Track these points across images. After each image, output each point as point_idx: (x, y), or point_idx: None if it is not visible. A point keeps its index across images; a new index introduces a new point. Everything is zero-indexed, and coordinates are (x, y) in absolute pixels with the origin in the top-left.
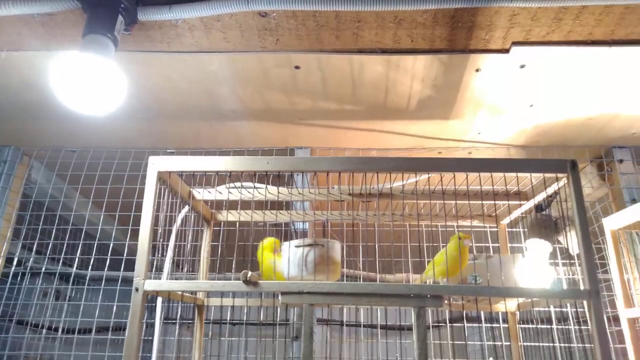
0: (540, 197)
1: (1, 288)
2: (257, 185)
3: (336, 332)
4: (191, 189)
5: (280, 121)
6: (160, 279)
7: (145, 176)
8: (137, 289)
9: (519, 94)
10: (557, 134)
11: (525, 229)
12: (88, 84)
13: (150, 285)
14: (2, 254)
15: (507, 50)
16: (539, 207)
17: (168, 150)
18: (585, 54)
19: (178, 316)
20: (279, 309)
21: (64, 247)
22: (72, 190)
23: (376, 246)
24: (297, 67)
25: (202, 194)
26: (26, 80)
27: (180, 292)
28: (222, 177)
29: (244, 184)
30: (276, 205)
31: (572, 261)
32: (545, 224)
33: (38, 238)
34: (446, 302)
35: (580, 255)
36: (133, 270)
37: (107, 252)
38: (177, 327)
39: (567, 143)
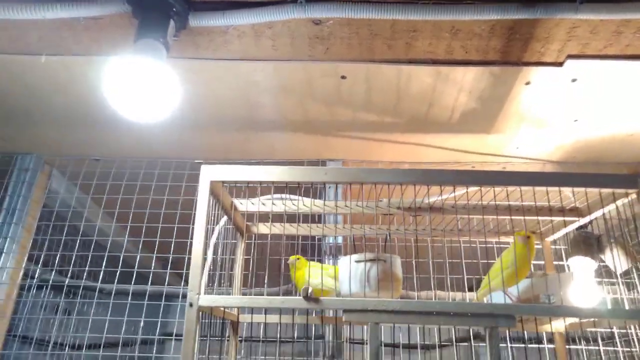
0: (598, 214)
1: (17, 302)
2: (294, 197)
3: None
4: (232, 200)
5: (317, 133)
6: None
7: (169, 186)
8: (191, 305)
9: (565, 109)
10: (596, 150)
11: (567, 247)
12: (142, 89)
13: (205, 300)
14: (22, 266)
15: (561, 64)
16: (580, 225)
17: (196, 161)
18: (637, 68)
19: (221, 332)
20: (313, 327)
21: (81, 260)
22: (94, 201)
23: (430, 262)
24: (343, 77)
25: (244, 205)
26: (59, 85)
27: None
28: (256, 189)
29: (281, 195)
30: (308, 219)
31: (615, 280)
32: (587, 241)
33: (54, 250)
34: None
35: None
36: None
37: (127, 265)
38: (220, 344)
39: (603, 160)
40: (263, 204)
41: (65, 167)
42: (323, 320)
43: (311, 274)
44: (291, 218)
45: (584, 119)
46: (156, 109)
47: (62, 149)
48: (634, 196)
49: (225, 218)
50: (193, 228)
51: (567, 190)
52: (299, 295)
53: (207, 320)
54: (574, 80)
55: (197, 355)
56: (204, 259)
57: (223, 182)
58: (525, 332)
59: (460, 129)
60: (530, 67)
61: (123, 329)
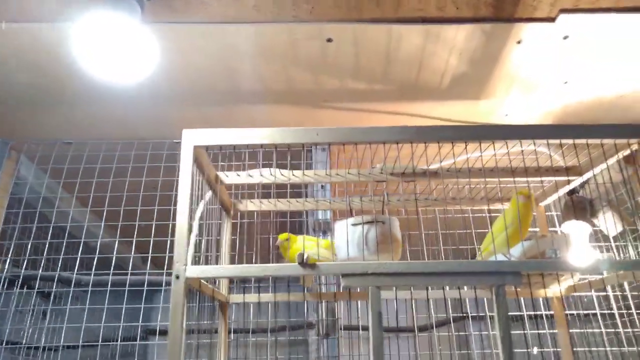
0: (596, 171)
1: None
2: (278, 170)
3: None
4: (217, 173)
5: (302, 104)
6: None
7: (147, 169)
8: (177, 277)
9: (556, 69)
10: (585, 115)
11: (561, 212)
12: (116, 46)
13: (193, 271)
14: None
15: (553, 19)
16: (572, 190)
17: (175, 141)
18: (633, 22)
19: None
20: (306, 304)
21: (54, 251)
22: (66, 187)
23: (422, 235)
24: (329, 40)
25: (230, 177)
26: (23, 60)
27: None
28: (243, 162)
29: (265, 169)
30: (295, 195)
31: (608, 244)
32: (580, 205)
33: (17, 238)
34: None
35: None
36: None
37: (103, 254)
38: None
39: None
40: (250, 175)
41: (35, 152)
42: (321, 297)
43: (306, 245)
44: (279, 194)
45: (574, 80)
46: (131, 68)
47: (29, 133)
48: (635, 147)
49: (209, 194)
50: (174, 209)
51: (544, 149)
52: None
53: (194, 304)
54: (565, 38)
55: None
56: (190, 228)
57: (207, 147)
58: (523, 300)
59: (449, 95)
60: (522, 23)
61: (102, 323)
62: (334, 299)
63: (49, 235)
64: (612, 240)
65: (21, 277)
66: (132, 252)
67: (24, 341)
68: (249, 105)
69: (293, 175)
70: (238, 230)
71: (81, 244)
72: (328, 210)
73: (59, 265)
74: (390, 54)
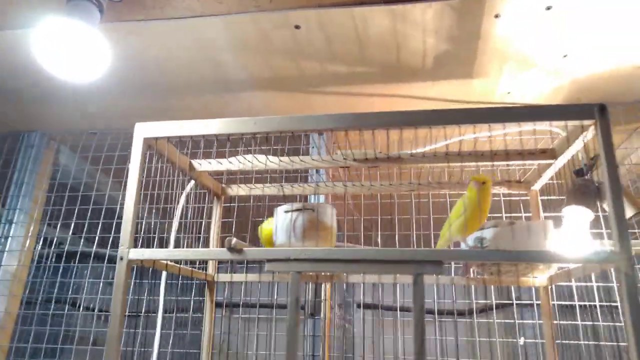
0: (569, 154)
1: (37, 268)
2: (259, 156)
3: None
4: (190, 161)
5: (291, 89)
6: None
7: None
8: (121, 258)
9: (549, 42)
10: (601, 88)
11: (565, 196)
12: (71, 50)
13: (135, 254)
14: (30, 235)
15: None
16: (579, 172)
17: None
18: None
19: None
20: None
21: (102, 228)
22: (104, 171)
23: (396, 219)
24: (297, 27)
25: (206, 165)
26: (33, 61)
27: (165, 262)
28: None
29: (251, 155)
30: (291, 178)
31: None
32: (585, 190)
33: (74, 219)
34: (468, 275)
35: (610, 215)
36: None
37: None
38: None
39: (615, 99)
40: (219, 162)
41: (67, 142)
42: (304, 278)
43: (265, 229)
44: (274, 178)
45: (574, 54)
46: (86, 69)
47: (64, 125)
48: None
49: (192, 182)
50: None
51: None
52: None
53: (182, 281)
54: (548, 8)
55: (159, 314)
56: (136, 215)
57: (157, 138)
58: (513, 290)
59: (439, 75)
60: None
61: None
62: (317, 280)
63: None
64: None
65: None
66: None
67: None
68: (242, 93)
69: (258, 161)
70: (235, 213)
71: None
72: (321, 195)
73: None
74: (360, 36)
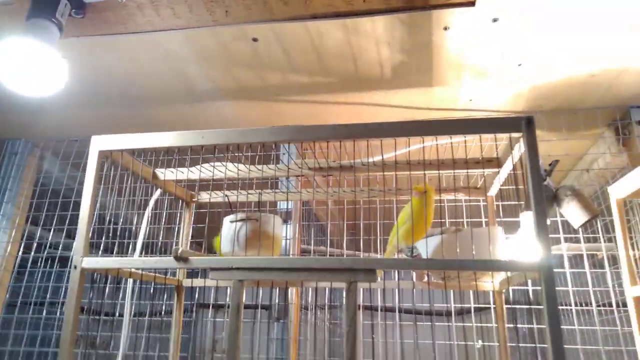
0: (510, 163)
1: (20, 272)
2: (228, 164)
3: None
4: (153, 170)
5: (257, 99)
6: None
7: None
8: (75, 267)
9: (501, 52)
10: (561, 96)
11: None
12: (29, 67)
13: (88, 262)
14: (11, 239)
15: (472, 3)
16: None
17: None
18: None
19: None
20: (261, 290)
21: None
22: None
23: (344, 224)
24: (255, 40)
25: (169, 174)
26: None
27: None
28: (196, 157)
29: (211, 164)
30: (261, 185)
31: (573, 236)
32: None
33: (57, 224)
34: (424, 279)
35: (534, 224)
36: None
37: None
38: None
39: (574, 106)
40: (181, 172)
41: (49, 149)
42: (273, 284)
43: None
44: (244, 186)
45: (528, 63)
46: (44, 85)
47: (47, 133)
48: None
49: (159, 190)
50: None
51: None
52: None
53: (151, 286)
54: (495, 20)
55: (126, 318)
56: (90, 225)
57: (112, 150)
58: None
59: (398, 84)
60: (441, 9)
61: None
62: (286, 285)
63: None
64: (580, 231)
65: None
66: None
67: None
68: (212, 102)
69: (206, 170)
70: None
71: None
72: (291, 201)
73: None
74: (317, 48)
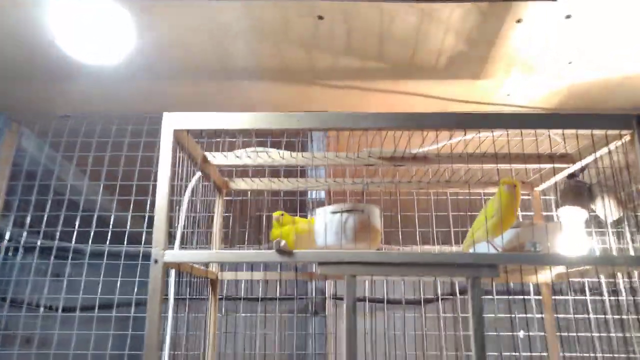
0: (589, 160)
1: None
2: (271, 150)
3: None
4: (204, 153)
5: (296, 81)
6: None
7: (143, 143)
8: (156, 261)
9: (559, 49)
10: (590, 95)
11: (558, 197)
12: (93, 28)
13: (171, 256)
14: None
15: None
16: (571, 174)
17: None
18: (636, 1)
19: (187, 291)
20: (297, 283)
21: (66, 223)
22: (67, 160)
23: (416, 216)
24: (320, 18)
25: (216, 158)
26: (10, 34)
27: (197, 265)
28: (232, 143)
29: (258, 149)
30: (290, 174)
31: (605, 230)
32: (578, 190)
33: (31, 211)
34: None
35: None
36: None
37: (103, 225)
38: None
39: (598, 106)
40: (237, 156)
41: (34, 125)
42: (312, 276)
43: (287, 229)
44: (273, 173)
45: (579, 61)
46: (116, 46)
47: (31, 106)
48: (627, 138)
49: (198, 174)
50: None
51: (556, 136)
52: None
53: (186, 279)
54: (568, 17)
55: (169, 314)
56: (169, 214)
57: (188, 130)
58: (512, 284)
59: (447, 75)
60: (521, 2)
61: (118, 290)
62: (325, 278)
63: (64, 206)
64: (609, 227)
65: (38, 245)
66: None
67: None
68: (243, 82)
69: (282, 158)
70: (232, 208)
71: (81, 215)
72: (322, 190)
73: (74, 234)
74: (383, 32)
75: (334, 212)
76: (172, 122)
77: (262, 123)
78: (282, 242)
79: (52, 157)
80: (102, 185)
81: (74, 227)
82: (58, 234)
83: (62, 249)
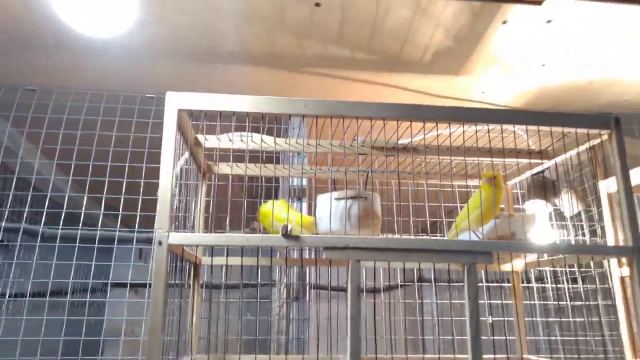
0: (570, 155)
1: None
2: (266, 136)
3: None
4: (196, 135)
5: (282, 68)
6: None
7: (117, 122)
8: (160, 243)
9: (536, 51)
10: (556, 97)
11: (525, 191)
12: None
13: (176, 238)
14: None
15: (540, 2)
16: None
17: (147, 96)
18: (613, 11)
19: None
20: (277, 268)
21: (19, 203)
22: (30, 137)
23: (410, 206)
24: (317, 5)
25: (210, 140)
26: None
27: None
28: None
29: (243, 134)
30: (269, 160)
31: (566, 223)
32: (543, 186)
33: None
34: None
35: (623, 213)
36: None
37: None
38: (184, 288)
39: (562, 108)
40: (230, 140)
41: None
42: (287, 262)
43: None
44: (254, 159)
45: (552, 64)
46: (107, 21)
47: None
48: (605, 137)
49: (186, 155)
50: (146, 167)
51: (524, 133)
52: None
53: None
54: (548, 22)
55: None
56: (172, 196)
57: (192, 110)
58: (487, 274)
59: (429, 70)
60: (510, 4)
61: (71, 274)
62: (301, 264)
63: (13, 185)
64: (569, 220)
65: None
66: (102, 210)
67: None
68: (227, 66)
69: (276, 143)
70: (212, 192)
71: (47, 198)
72: (304, 178)
73: (25, 215)
74: (376, 24)
75: (339, 199)
76: (177, 101)
77: (268, 107)
78: (289, 226)
79: (12, 135)
80: (54, 164)
81: (25, 208)
82: (6, 213)
83: (9, 230)
